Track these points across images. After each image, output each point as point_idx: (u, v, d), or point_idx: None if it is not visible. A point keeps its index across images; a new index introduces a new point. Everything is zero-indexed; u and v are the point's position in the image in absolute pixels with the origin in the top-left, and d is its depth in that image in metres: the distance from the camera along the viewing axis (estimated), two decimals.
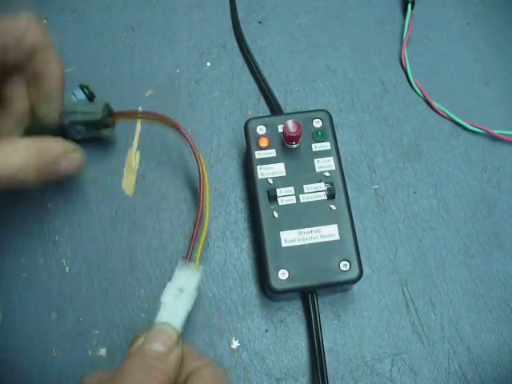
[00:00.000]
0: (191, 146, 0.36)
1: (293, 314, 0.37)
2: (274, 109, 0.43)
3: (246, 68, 0.46)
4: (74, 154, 0.36)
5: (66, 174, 0.35)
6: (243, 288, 0.37)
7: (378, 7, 0.49)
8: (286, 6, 0.49)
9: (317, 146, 0.38)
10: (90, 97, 0.41)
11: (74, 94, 0.41)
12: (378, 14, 0.49)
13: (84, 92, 0.41)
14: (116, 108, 0.39)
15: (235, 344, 0.36)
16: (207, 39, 0.47)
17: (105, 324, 0.36)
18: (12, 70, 0.35)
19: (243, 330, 0.36)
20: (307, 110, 0.43)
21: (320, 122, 0.39)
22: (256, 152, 0.38)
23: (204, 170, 0.35)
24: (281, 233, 0.35)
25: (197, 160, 0.35)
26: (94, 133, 0.39)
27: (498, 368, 0.36)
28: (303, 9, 0.49)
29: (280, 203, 0.36)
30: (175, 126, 0.36)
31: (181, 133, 0.36)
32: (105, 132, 0.39)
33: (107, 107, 0.39)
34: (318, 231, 0.35)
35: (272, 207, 0.36)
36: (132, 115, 0.40)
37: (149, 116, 0.38)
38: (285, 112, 0.43)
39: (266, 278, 0.34)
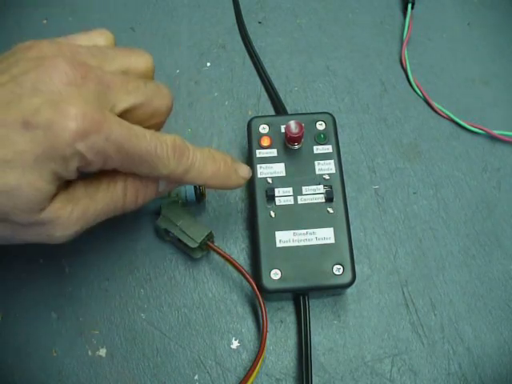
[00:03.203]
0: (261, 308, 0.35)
1: (293, 314, 0.37)
2: (278, 109, 0.43)
3: (246, 68, 0.46)
4: (243, 165, 0.35)
5: (237, 185, 0.34)
6: (243, 288, 0.37)
7: (378, 7, 0.49)
8: (286, 6, 0.49)
9: (318, 149, 0.38)
10: (200, 197, 0.38)
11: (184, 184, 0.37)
12: (378, 14, 0.49)
13: (196, 189, 0.38)
14: None
15: (235, 344, 0.36)
16: (207, 39, 0.47)
17: (105, 324, 0.36)
18: None
19: (243, 330, 0.36)
20: (311, 111, 0.43)
21: (323, 124, 0.39)
22: (257, 151, 0.38)
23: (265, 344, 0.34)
24: (276, 233, 0.35)
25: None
26: (183, 248, 0.37)
27: (498, 368, 0.36)
28: (303, 9, 0.49)
29: (277, 203, 0.36)
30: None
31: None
32: (192, 254, 0.37)
33: (208, 237, 0.36)
34: (314, 233, 0.35)
35: (269, 207, 0.36)
36: (226, 257, 0.36)
37: (235, 264, 0.35)
38: (289, 113, 0.43)
39: (258, 277, 0.34)
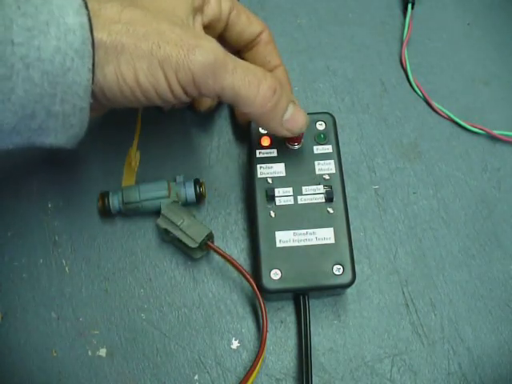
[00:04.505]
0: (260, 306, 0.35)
1: (293, 314, 0.37)
2: None
3: None
4: (298, 110, 0.32)
5: (276, 130, 0.33)
6: (243, 288, 0.37)
7: (378, 7, 0.49)
8: (286, 6, 0.49)
9: (318, 149, 0.38)
10: (200, 197, 0.38)
11: (184, 185, 0.38)
12: (378, 14, 0.49)
13: (196, 189, 0.38)
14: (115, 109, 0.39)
15: (235, 344, 0.36)
16: None
17: (105, 324, 0.37)
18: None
19: (243, 330, 0.37)
20: (311, 111, 0.43)
21: (323, 124, 0.39)
22: (257, 151, 0.38)
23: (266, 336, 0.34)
24: (276, 233, 0.35)
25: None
26: (183, 248, 0.37)
27: (498, 368, 0.36)
28: (303, 9, 0.49)
29: (278, 203, 0.36)
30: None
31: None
32: (192, 254, 0.37)
33: (208, 237, 0.36)
34: (314, 233, 0.35)
35: (269, 207, 0.36)
36: (226, 257, 0.36)
37: (235, 264, 0.35)
38: None
39: (258, 277, 0.34)
